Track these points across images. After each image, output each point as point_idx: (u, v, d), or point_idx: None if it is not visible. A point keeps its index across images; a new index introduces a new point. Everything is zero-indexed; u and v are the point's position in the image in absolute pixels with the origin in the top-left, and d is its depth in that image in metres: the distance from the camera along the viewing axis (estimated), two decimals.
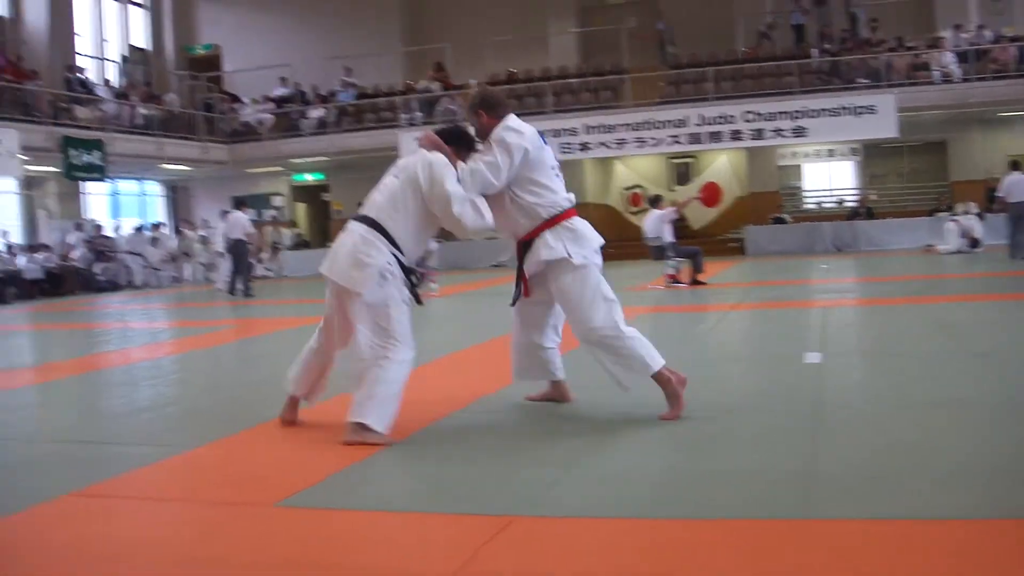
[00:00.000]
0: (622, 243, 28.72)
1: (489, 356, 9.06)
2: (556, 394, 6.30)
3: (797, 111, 25.30)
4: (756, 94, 26.69)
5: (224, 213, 23.81)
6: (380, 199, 5.71)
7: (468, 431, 5.79)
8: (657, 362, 5.67)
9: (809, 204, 31.01)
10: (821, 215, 29.03)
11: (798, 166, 30.80)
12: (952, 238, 21.94)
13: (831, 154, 29.92)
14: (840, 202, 30.14)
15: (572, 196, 5.86)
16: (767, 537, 3.63)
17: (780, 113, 25.45)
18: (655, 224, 16.30)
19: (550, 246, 5.66)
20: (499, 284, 20.17)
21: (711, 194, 20.41)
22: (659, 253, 16.38)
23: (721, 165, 29.35)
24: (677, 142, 26.36)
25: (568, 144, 26.48)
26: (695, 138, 26.13)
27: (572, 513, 4.02)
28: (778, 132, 25.51)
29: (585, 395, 6.24)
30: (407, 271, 5.64)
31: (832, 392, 6.36)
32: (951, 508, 3.82)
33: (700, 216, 28.85)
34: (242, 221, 20.54)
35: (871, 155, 29.92)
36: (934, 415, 5.53)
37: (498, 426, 5.82)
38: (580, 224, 5.78)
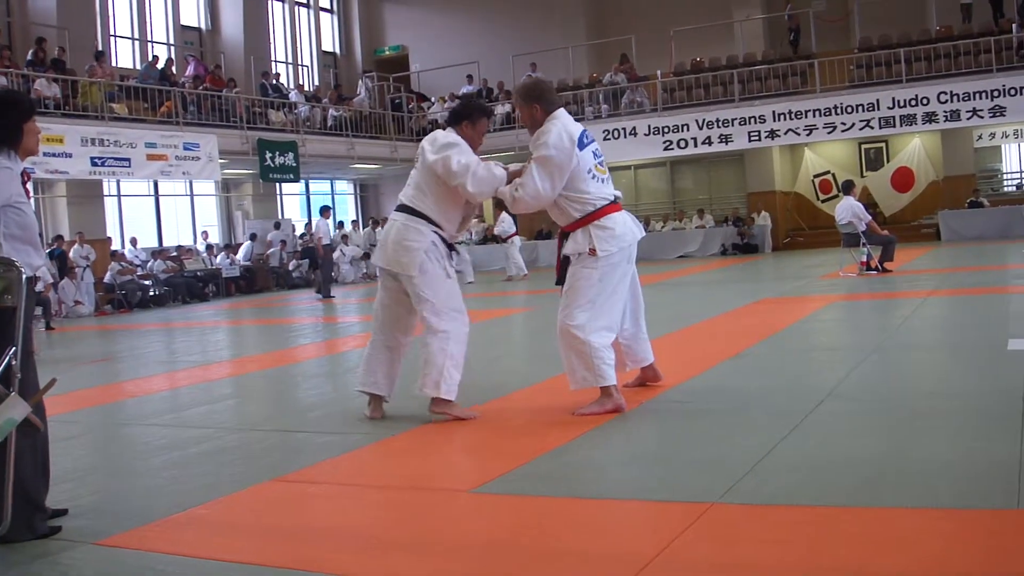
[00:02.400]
0: (812, 231, 28.37)
1: (680, 344, 9.12)
2: (649, 376, 6.71)
3: (995, 90, 24.36)
4: (951, 74, 25.77)
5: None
6: (410, 187, 6.33)
7: (660, 418, 5.87)
8: (611, 379, 5.93)
9: (1008, 187, 29.84)
10: (1022, 198, 27.92)
11: (997, 147, 29.64)
12: None
13: None
14: None
15: (615, 193, 6.18)
16: (975, 527, 3.57)
17: (977, 92, 24.56)
18: (847, 210, 16.02)
19: (577, 242, 6.05)
20: (686, 275, 20.14)
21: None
22: (851, 240, 16.11)
23: (914, 149, 28.49)
24: (868, 126, 25.73)
25: (756, 132, 26.19)
26: (887, 122, 25.46)
27: (770, 500, 4.01)
28: (975, 112, 24.63)
29: (773, 381, 6.24)
30: (450, 247, 6.24)
31: None
32: None
33: (892, 202, 28.12)
34: (322, 228, 21.57)
35: None
36: None
37: (690, 413, 5.87)
38: (613, 222, 6.04)
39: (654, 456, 5.03)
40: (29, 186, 4.39)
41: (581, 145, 5.99)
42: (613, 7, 34.62)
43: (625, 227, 6.06)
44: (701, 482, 4.35)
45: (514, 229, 23.35)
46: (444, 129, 6.38)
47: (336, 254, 28.40)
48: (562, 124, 5.99)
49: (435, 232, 6.12)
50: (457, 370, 6.04)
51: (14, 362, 3.84)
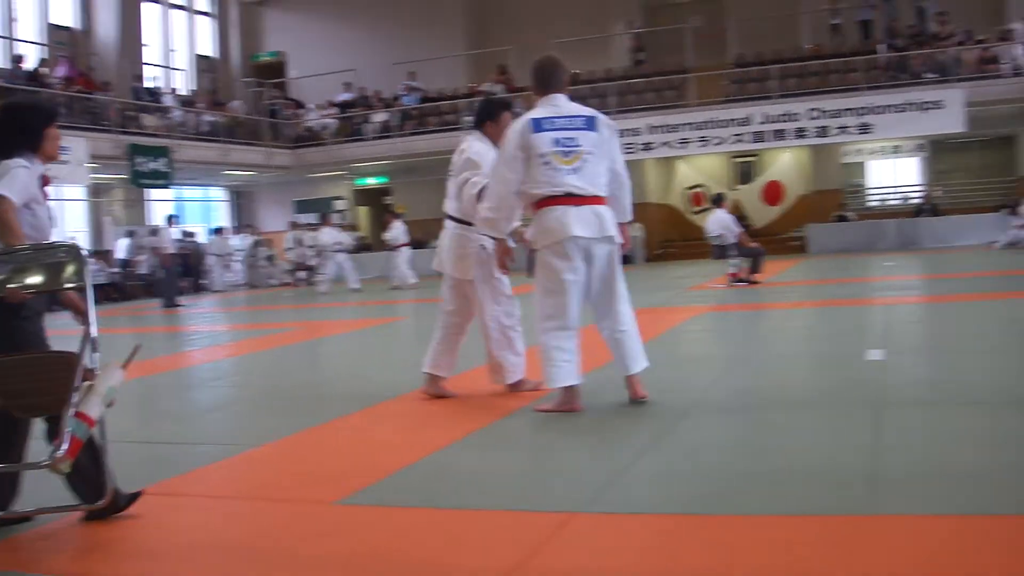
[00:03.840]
0: (684, 242, 28.79)
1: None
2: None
3: (863, 107, 25.05)
4: (821, 91, 26.46)
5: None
6: (450, 198, 6.68)
7: (527, 427, 5.87)
8: (558, 381, 5.95)
9: (873, 201, 30.74)
10: (885, 212, 28.80)
11: (862, 163, 30.52)
12: (1013, 233, 22.03)
13: (896, 150, 29.60)
14: (905, 199, 29.85)
15: (575, 185, 5.81)
16: (828, 533, 3.64)
17: (846, 110, 25.21)
18: (718, 223, 16.31)
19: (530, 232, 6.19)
20: None
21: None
22: (721, 252, 16.39)
23: (784, 163, 29.16)
24: (741, 141, 26.22)
25: (631, 144, 26.44)
26: (759, 136, 25.98)
27: (631, 510, 4.05)
28: (843, 129, 25.28)
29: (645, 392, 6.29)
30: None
31: (894, 389, 6.34)
32: (1012, 503, 3.83)
33: (762, 215, 28.71)
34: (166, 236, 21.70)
35: (937, 151, 29.57)
36: (1000, 412, 5.51)
37: (557, 422, 5.86)
38: (549, 214, 5.86)
39: (520, 466, 5.03)
40: (48, 189, 4.55)
41: (538, 128, 5.87)
42: (493, 17, 34.66)
43: (559, 222, 5.79)
44: (565, 491, 4.36)
45: (405, 239, 23.22)
46: (469, 133, 6.74)
47: (211, 260, 28.03)
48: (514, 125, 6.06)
49: (484, 234, 6.40)
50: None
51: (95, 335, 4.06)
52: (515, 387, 6.72)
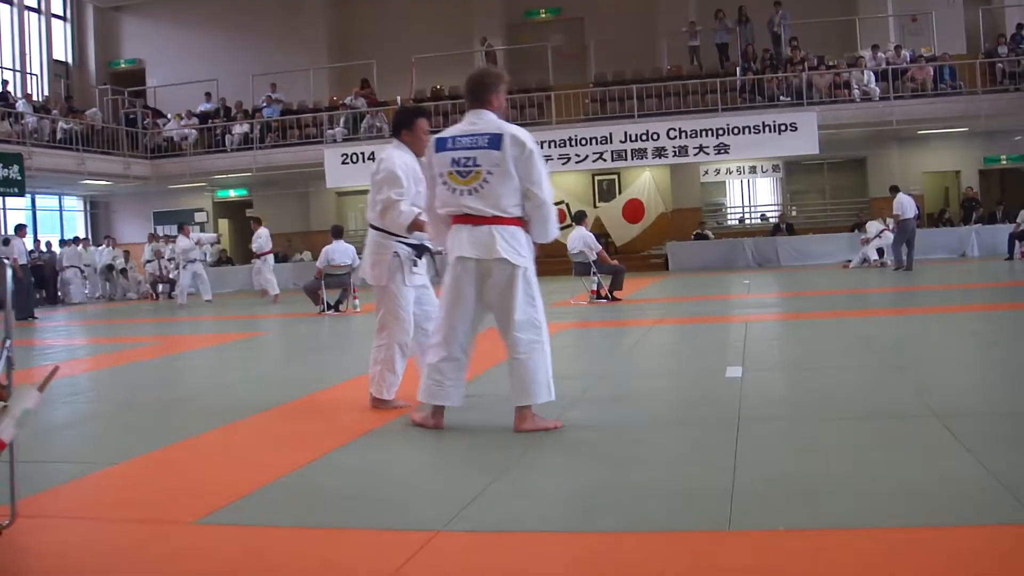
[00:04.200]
0: (547, 259, 28.90)
1: (414, 370, 9.04)
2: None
3: (720, 128, 25.61)
4: (680, 111, 27.00)
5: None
6: (369, 207, 6.69)
7: (389, 445, 5.77)
8: (423, 397, 5.93)
9: (732, 220, 31.38)
10: (743, 231, 29.42)
11: (722, 182, 31.13)
12: (863, 252, 22.78)
13: (753, 171, 30.25)
14: (763, 218, 30.53)
15: (467, 206, 5.68)
16: (684, 550, 3.64)
17: (704, 130, 25.75)
18: (579, 240, 16.40)
19: None
20: None
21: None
22: (582, 269, 16.47)
23: (645, 181, 29.55)
24: (601, 159, 26.51)
25: None
26: (619, 155, 26.30)
27: (494, 528, 4.00)
28: (701, 149, 25.78)
29: (501, 408, 6.24)
30: (423, 250, 6.72)
31: (753, 406, 6.37)
32: (865, 518, 3.86)
33: (623, 232, 29.01)
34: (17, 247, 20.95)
35: (793, 171, 30.36)
36: (855, 428, 5.60)
37: (422, 440, 5.79)
38: (451, 234, 5.80)
39: (383, 484, 4.91)
40: None
41: (440, 147, 5.78)
42: (356, 31, 34.46)
43: (453, 241, 5.73)
44: (427, 510, 4.30)
45: (269, 246, 22.84)
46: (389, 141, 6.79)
47: (69, 273, 27.22)
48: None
49: (404, 242, 6.59)
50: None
51: (10, 353, 3.92)
52: (383, 404, 6.68)
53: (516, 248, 5.66)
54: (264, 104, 30.95)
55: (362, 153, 27.55)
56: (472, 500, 4.38)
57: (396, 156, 6.55)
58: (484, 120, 5.74)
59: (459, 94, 29.72)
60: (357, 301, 17.19)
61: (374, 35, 33.54)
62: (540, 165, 5.72)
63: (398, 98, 29.28)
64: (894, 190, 21.56)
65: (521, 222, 5.74)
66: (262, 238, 22.63)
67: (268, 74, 30.87)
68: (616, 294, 16.33)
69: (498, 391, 6.27)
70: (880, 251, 23.09)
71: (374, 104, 30.02)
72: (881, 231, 23.15)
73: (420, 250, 6.71)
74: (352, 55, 32.99)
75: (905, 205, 20.74)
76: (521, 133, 5.71)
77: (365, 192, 28.32)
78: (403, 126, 6.77)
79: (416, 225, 6.28)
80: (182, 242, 23.32)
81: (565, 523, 4.06)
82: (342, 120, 29.55)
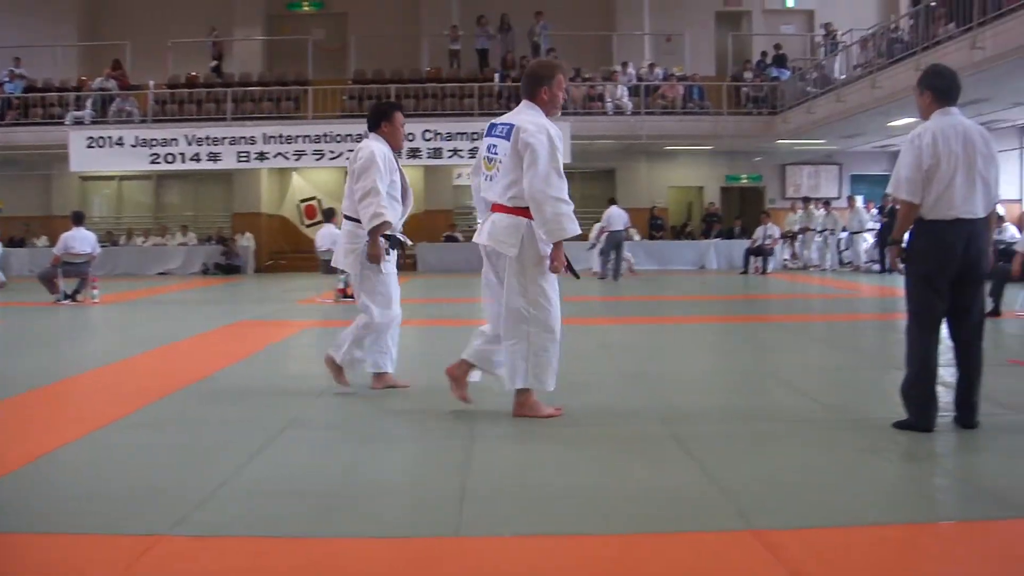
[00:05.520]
0: (296, 254, 28.65)
1: (150, 366, 8.80)
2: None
3: (475, 132, 25.87)
4: (437, 113, 27.21)
5: None
6: (346, 196, 7.12)
7: (121, 443, 5.61)
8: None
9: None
10: None
11: None
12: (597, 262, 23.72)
13: None
14: None
15: (489, 197, 6.11)
16: (409, 556, 3.68)
17: (459, 133, 25.97)
18: (328, 238, 16.28)
19: None
20: (165, 292, 19.63)
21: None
22: (330, 267, 16.35)
23: None
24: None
25: (245, 153, 26.00)
26: None
27: (220, 532, 3.94)
28: (456, 152, 26.01)
29: (236, 406, 6.15)
30: (395, 242, 7.32)
31: (489, 412, 6.44)
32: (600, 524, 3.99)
33: None
34: None
35: None
36: (591, 434, 5.75)
37: (153, 441, 5.65)
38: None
39: (112, 484, 4.74)
40: None
41: (487, 133, 6.14)
42: (108, 11, 33.06)
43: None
44: (150, 514, 4.18)
45: None
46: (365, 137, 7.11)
47: None
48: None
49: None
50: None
51: None
52: (335, 370, 7.20)
53: (504, 238, 5.90)
54: (6, 79, 29.30)
55: (110, 137, 26.41)
56: (200, 502, 4.31)
57: (375, 147, 6.93)
58: (520, 112, 6.05)
59: (214, 83, 29.15)
60: (96, 291, 16.54)
61: (128, 17, 32.17)
62: (541, 159, 5.79)
63: (151, 82, 28.39)
64: (611, 202, 23.34)
65: (526, 212, 5.89)
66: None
67: (10, 47, 29.29)
68: (350, 291, 16.26)
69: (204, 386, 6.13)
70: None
71: (125, 87, 28.92)
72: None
73: (393, 241, 7.19)
74: (105, 34, 31.69)
75: (614, 217, 22.34)
76: (529, 125, 5.88)
77: (111, 178, 27.37)
78: (383, 118, 7.11)
79: (379, 230, 6.81)
80: None
81: (293, 527, 4.01)
82: (89, 102, 28.31)
